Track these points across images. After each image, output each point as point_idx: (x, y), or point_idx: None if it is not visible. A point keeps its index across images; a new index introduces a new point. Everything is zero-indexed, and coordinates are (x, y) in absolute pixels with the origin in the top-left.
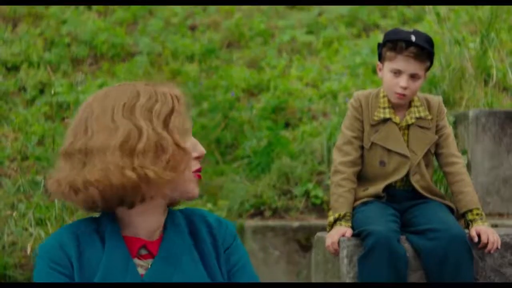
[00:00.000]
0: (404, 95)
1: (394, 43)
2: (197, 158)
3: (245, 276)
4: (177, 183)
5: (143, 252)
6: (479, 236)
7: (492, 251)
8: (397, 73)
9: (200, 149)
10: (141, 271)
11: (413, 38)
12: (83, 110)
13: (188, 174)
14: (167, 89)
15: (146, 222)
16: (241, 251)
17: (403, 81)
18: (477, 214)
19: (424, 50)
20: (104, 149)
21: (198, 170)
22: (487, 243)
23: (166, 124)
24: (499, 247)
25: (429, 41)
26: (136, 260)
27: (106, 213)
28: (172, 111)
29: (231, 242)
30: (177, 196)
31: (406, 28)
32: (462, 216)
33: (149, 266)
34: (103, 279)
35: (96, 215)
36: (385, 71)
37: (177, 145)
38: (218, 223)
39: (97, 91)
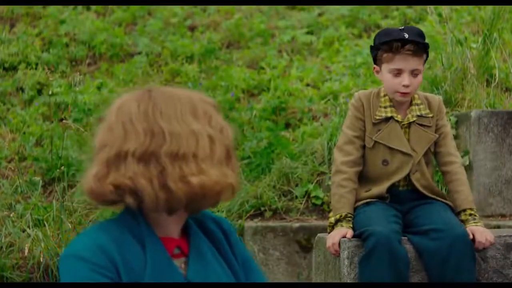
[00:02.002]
0: (407, 92)
1: (389, 44)
2: None
3: (256, 273)
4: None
5: (176, 251)
6: (473, 236)
7: (486, 247)
8: (398, 72)
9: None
10: (180, 270)
11: (406, 35)
12: (144, 108)
13: None
14: (204, 97)
15: (179, 223)
16: (244, 246)
17: (405, 79)
18: (470, 215)
19: (419, 45)
20: (198, 155)
21: None
22: (482, 242)
23: (222, 133)
24: (492, 242)
25: (422, 34)
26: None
27: (133, 214)
28: (224, 123)
29: (236, 238)
30: None
31: (395, 27)
32: (457, 215)
33: (184, 265)
34: (153, 281)
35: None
36: (384, 72)
37: (234, 153)
38: (221, 220)
39: (140, 91)
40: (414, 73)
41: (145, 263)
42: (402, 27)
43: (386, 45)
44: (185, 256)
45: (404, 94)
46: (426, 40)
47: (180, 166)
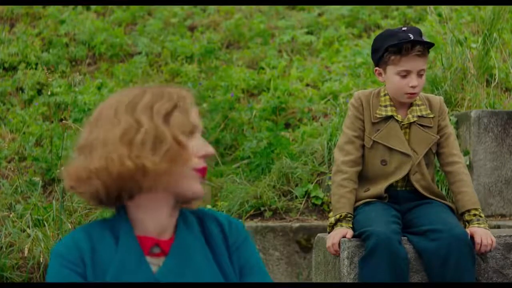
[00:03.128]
0: (415, 93)
1: (398, 46)
2: (203, 156)
3: (256, 277)
4: (177, 178)
5: (156, 250)
6: (472, 237)
7: (484, 253)
8: (405, 74)
9: (207, 148)
10: (154, 269)
11: (411, 36)
12: (99, 108)
13: (188, 170)
14: (176, 89)
15: (153, 220)
16: (252, 251)
17: (413, 80)
18: (474, 215)
19: (427, 45)
20: (106, 141)
21: (203, 169)
22: (481, 245)
23: (166, 120)
24: (492, 249)
25: (421, 33)
26: (149, 258)
27: (119, 214)
28: (174, 108)
29: (242, 240)
30: (181, 193)
31: (396, 28)
32: (461, 216)
33: (162, 264)
34: (115, 276)
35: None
36: (390, 74)
37: (176, 139)
38: (228, 223)
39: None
40: (420, 73)
41: (113, 259)
42: (405, 28)
43: (395, 47)
44: (165, 255)
45: (412, 94)
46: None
47: (91, 155)
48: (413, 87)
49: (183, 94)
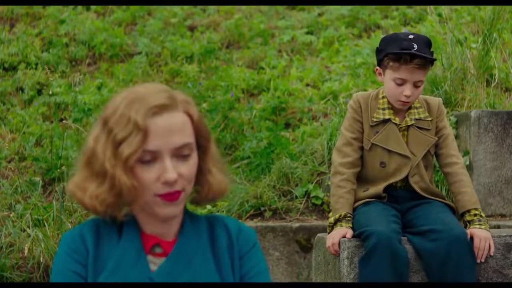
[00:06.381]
0: (408, 102)
1: (398, 54)
2: (165, 183)
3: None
4: (143, 202)
5: (158, 250)
6: (472, 239)
7: (482, 260)
8: (401, 82)
9: (165, 175)
10: (153, 267)
11: (415, 46)
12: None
13: (150, 197)
14: (145, 106)
15: (150, 223)
16: (257, 260)
17: (407, 90)
18: (475, 215)
19: (428, 59)
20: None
21: (167, 195)
22: (477, 247)
23: (114, 152)
24: (491, 254)
25: (429, 43)
26: (150, 257)
27: (130, 213)
28: (126, 137)
29: (247, 250)
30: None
31: (404, 33)
32: (462, 217)
33: (160, 264)
34: (113, 270)
35: None
36: (387, 79)
37: (116, 174)
38: (238, 230)
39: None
40: (416, 84)
41: (114, 252)
42: (412, 36)
43: (394, 54)
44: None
45: (404, 103)
46: None
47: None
48: (406, 96)
49: (149, 112)
